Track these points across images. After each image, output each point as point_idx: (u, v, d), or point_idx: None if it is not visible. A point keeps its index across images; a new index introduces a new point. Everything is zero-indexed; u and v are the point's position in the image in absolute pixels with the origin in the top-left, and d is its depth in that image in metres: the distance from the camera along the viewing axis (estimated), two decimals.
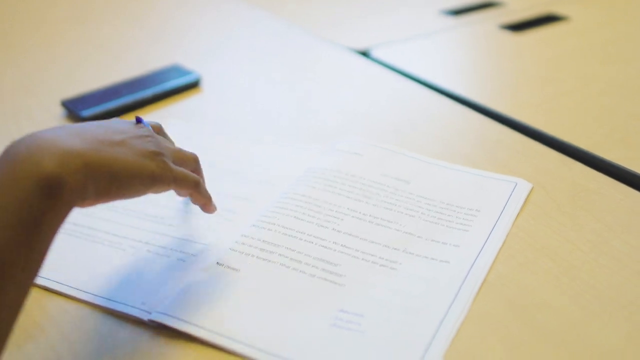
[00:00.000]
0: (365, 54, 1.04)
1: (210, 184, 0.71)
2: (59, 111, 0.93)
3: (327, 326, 0.54)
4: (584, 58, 1.00)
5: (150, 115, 0.91)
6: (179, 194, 0.64)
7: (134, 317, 0.56)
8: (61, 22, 1.31)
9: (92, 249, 0.65)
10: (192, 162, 0.63)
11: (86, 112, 0.90)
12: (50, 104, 0.94)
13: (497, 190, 0.69)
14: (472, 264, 0.59)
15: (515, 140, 0.79)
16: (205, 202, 0.63)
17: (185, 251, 0.64)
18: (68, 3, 1.42)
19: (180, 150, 0.61)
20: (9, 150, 0.46)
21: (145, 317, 0.56)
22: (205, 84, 0.98)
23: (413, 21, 1.18)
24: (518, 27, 1.10)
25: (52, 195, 0.45)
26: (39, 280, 0.60)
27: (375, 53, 1.04)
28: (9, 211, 0.43)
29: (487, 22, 1.14)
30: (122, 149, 0.51)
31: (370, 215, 0.66)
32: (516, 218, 0.65)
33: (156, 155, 0.54)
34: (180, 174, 0.57)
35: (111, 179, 0.49)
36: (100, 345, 0.54)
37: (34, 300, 0.58)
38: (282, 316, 0.56)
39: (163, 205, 0.70)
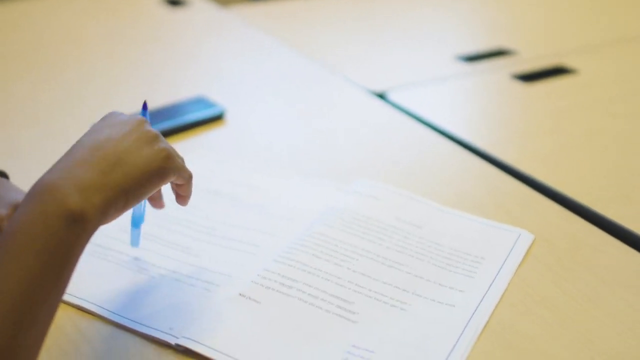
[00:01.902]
0: (382, 96, 1.10)
1: (234, 217, 0.76)
2: None
3: (339, 359, 0.59)
4: (590, 111, 1.06)
5: (174, 147, 0.96)
6: (174, 188, 0.67)
7: (162, 340, 0.61)
8: (93, 45, 1.37)
9: (123, 274, 0.70)
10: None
11: None
12: (83, 125, 1.00)
13: (501, 240, 0.74)
14: (475, 309, 0.64)
15: (520, 191, 0.84)
16: (188, 196, 0.67)
17: (210, 281, 0.69)
18: (101, 27, 1.49)
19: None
20: (36, 187, 0.51)
21: (172, 341, 0.61)
22: (229, 117, 1.04)
23: (428, 65, 1.24)
24: (529, 77, 1.16)
25: (77, 226, 0.50)
26: (75, 301, 0.65)
27: (391, 96, 1.09)
28: (41, 242, 0.48)
29: (500, 71, 1.19)
30: (131, 160, 0.56)
31: (383, 257, 0.71)
32: (518, 268, 0.70)
33: (164, 156, 0.58)
34: (181, 165, 0.62)
35: (127, 197, 0.55)
36: None
37: (69, 319, 0.64)
38: (298, 347, 0.60)
39: (190, 236, 0.75)
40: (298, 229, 0.76)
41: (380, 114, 1.05)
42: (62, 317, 0.64)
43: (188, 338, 0.61)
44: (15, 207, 0.61)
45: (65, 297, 0.65)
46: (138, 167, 0.56)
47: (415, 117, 1.03)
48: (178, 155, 0.62)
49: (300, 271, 0.69)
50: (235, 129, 1.01)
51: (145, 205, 0.70)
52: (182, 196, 0.67)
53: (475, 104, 1.11)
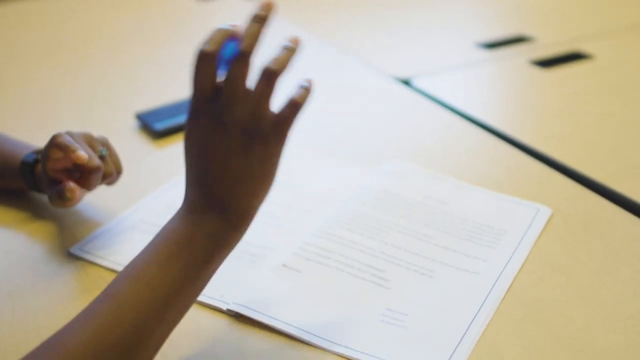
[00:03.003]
0: (407, 82, 1.16)
1: (274, 197, 0.83)
2: (133, 123, 1.05)
3: (377, 322, 0.66)
4: (606, 95, 1.11)
5: None
6: None
7: (215, 306, 0.68)
8: (123, 39, 1.44)
9: None
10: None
11: (159, 125, 1.02)
12: (125, 116, 1.07)
13: (522, 214, 0.80)
14: (498, 276, 0.71)
15: (538, 169, 0.90)
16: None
17: (255, 254, 0.76)
18: (130, 21, 1.56)
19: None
20: (186, 208, 0.57)
21: (224, 306, 0.68)
22: None
23: (450, 53, 1.29)
24: (546, 63, 1.21)
25: (223, 243, 0.58)
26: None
27: (416, 82, 1.15)
28: (187, 255, 0.55)
29: (519, 57, 1.25)
30: (260, 159, 0.57)
31: (412, 230, 0.78)
32: (537, 239, 0.76)
33: (276, 120, 0.57)
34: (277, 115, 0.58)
35: (263, 197, 0.60)
36: (186, 326, 0.66)
37: None
38: (338, 311, 0.67)
39: None
40: (333, 206, 0.83)
41: (406, 99, 1.11)
42: None
43: (238, 304, 0.68)
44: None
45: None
46: (261, 173, 0.58)
47: (439, 101, 1.09)
48: (276, 114, 0.58)
49: (336, 244, 0.75)
50: None
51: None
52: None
53: (496, 89, 1.17)
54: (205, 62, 0.54)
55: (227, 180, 0.56)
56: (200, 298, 0.69)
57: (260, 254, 0.76)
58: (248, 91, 0.55)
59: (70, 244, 0.77)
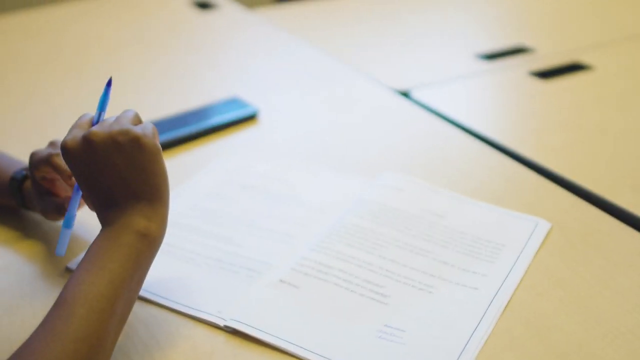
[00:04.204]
0: (406, 94, 1.16)
1: (270, 210, 0.83)
2: None
3: (374, 338, 0.66)
4: (605, 106, 1.11)
5: (208, 146, 1.03)
6: None
7: (212, 322, 0.68)
8: (125, 48, 1.44)
9: (172, 264, 0.77)
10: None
11: None
12: None
13: (521, 228, 0.79)
14: (497, 291, 0.70)
15: (537, 182, 0.90)
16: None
17: (252, 269, 0.75)
18: (132, 30, 1.56)
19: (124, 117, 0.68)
20: (106, 218, 0.63)
21: (221, 323, 0.68)
22: (261, 116, 1.10)
23: (450, 64, 1.29)
24: (546, 74, 1.21)
25: (147, 240, 0.62)
26: None
27: (415, 93, 1.15)
28: (120, 254, 0.60)
29: (518, 68, 1.25)
30: (139, 170, 0.62)
31: (410, 245, 0.78)
32: (536, 253, 0.76)
33: (134, 144, 0.62)
34: (144, 132, 0.63)
35: (162, 197, 0.64)
36: (182, 343, 0.66)
37: None
38: (335, 327, 0.67)
39: (231, 227, 0.82)
40: (330, 220, 0.82)
41: (405, 111, 1.11)
42: None
43: (235, 320, 0.67)
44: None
45: None
46: (147, 182, 0.63)
47: (437, 113, 1.09)
48: (134, 128, 0.63)
49: (334, 259, 0.75)
50: (268, 128, 1.08)
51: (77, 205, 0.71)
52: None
53: (495, 101, 1.17)
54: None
55: (119, 181, 0.62)
56: (198, 314, 0.69)
57: (257, 269, 0.75)
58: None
59: (67, 260, 0.77)
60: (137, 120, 0.66)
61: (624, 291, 0.70)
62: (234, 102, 1.13)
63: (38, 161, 0.75)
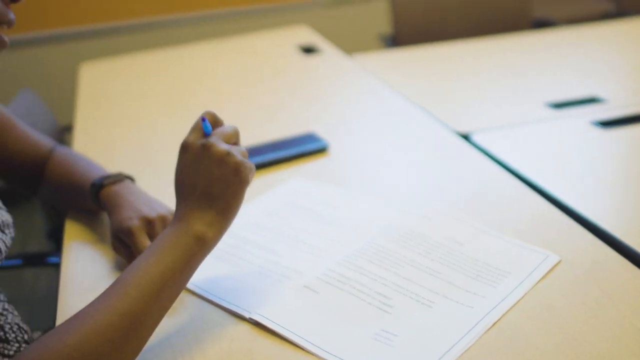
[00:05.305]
0: (466, 136, 1.25)
1: (313, 228, 0.95)
2: None
3: (370, 339, 0.75)
4: None
5: (282, 172, 1.16)
6: None
7: (239, 314, 0.81)
8: (232, 83, 1.62)
9: (221, 266, 0.90)
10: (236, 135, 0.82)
11: None
12: None
13: (529, 259, 0.87)
14: (490, 311, 0.78)
15: (560, 219, 0.95)
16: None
17: (284, 274, 0.87)
18: (241, 68, 1.74)
19: (226, 133, 0.80)
20: (175, 219, 0.75)
21: (247, 315, 0.80)
22: (332, 150, 1.23)
23: (516, 110, 1.36)
24: (608, 124, 1.25)
25: (201, 244, 0.74)
26: None
27: (475, 137, 1.24)
28: (176, 252, 0.72)
29: (582, 117, 1.29)
30: (230, 193, 0.75)
31: (425, 266, 0.87)
32: (537, 282, 0.83)
33: (232, 170, 0.75)
34: (247, 167, 0.76)
35: (228, 217, 0.76)
36: (211, 328, 0.79)
37: None
38: (339, 327, 0.78)
39: (277, 240, 0.95)
40: (362, 239, 0.93)
41: (461, 151, 1.20)
42: None
43: (259, 314, 0.80)
44: (161, 218, 0.90)
45: None
46: (237, 199, 0.76)
47: (489, 155, 1.17)
48: (242, 161, 0.76)
49: (354, 272, 0.86)
50: (335, 160, 1.20)
51: None
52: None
53: (550, 148, 1.21)
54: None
55: (205, 185, 0.75)
56: (229, 306, 0.82)
57: (287, 274, 0.87)
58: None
59: None
60: (237, 137, 0.79)
61: (610, 322, 0.76)
62: (309, 137, 1.26)
63: (126, 231, 0.89)
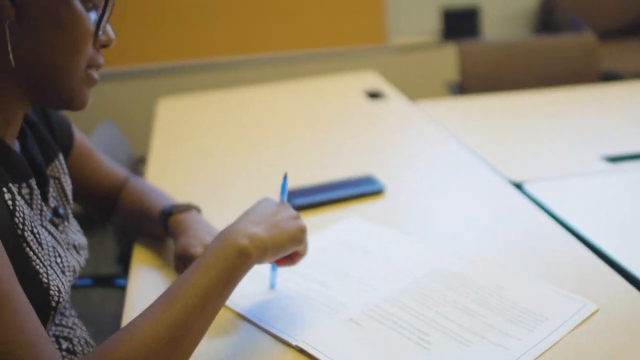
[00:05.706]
0: (519, 185, 1.28)
1: (364, 265, 1.01)
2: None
3: None
4: None
5: (338, 212, 1.23)
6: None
7: (286, 340, 0.86)
8: (300, 126, 1.70)
9: (273, 295, 0.97)
10: None
11: (298, 201, 1.24)
12: (277, 188, 1.30)
13: (568, 306, 0.89)
14: (523, 353, 0.82)
15: (603, 270, 0.98)
16: (298, 261, 0.92)
17: (332, 307, 0.93)
18: (309, 112, 1.82)
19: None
20: (224, 233, 0.82)
21: (293, 342, 0.86)
22: (388, 193, 1.29)
23: (570, 162, 1.39)
24: None
25: (243, 257, 0.79)
26: (235, 308, 0.93)
27: (527, 186, 1.27)
28: (220, 265, 0.78)
29: (637, 172, 1.31)
30: (282, 227, 0.84)
31: (466, 307, 0.91)
32: (572, 329, 0.85)
33: (301, 230, 0.86)
34: (307, 241, 0.89)
35: (276, 250, 0.83)
36: (261, 352, 0.85)
37: (229, 317, 0.91)
38: None
39: (329, 274, 1.01)
40: (408, 278, 0.98)
41: (512, 200, 1.23)
42: (226, 314, 0.92)
43: (305, 342, 0.85)
44: (205, 247, 0.95)
45: (230, 305, 0.93)
46: (287, 233, 0.85)
47: (539, 204, 1.20)
48: (305, 229, 0.88)
49: (398, 309, 0.91)
50: (389, 203, 1.26)
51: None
52: (294, 259, 0.92)
53: (603, 202, 1.23)
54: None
55: (262, 222, 0.85)
56: (277, 332, 0.88)
57: (336, 308, 0.93)
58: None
59: None
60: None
61: None
62: (366, 179, 1.32)
63: (189, 257, 0.96)
